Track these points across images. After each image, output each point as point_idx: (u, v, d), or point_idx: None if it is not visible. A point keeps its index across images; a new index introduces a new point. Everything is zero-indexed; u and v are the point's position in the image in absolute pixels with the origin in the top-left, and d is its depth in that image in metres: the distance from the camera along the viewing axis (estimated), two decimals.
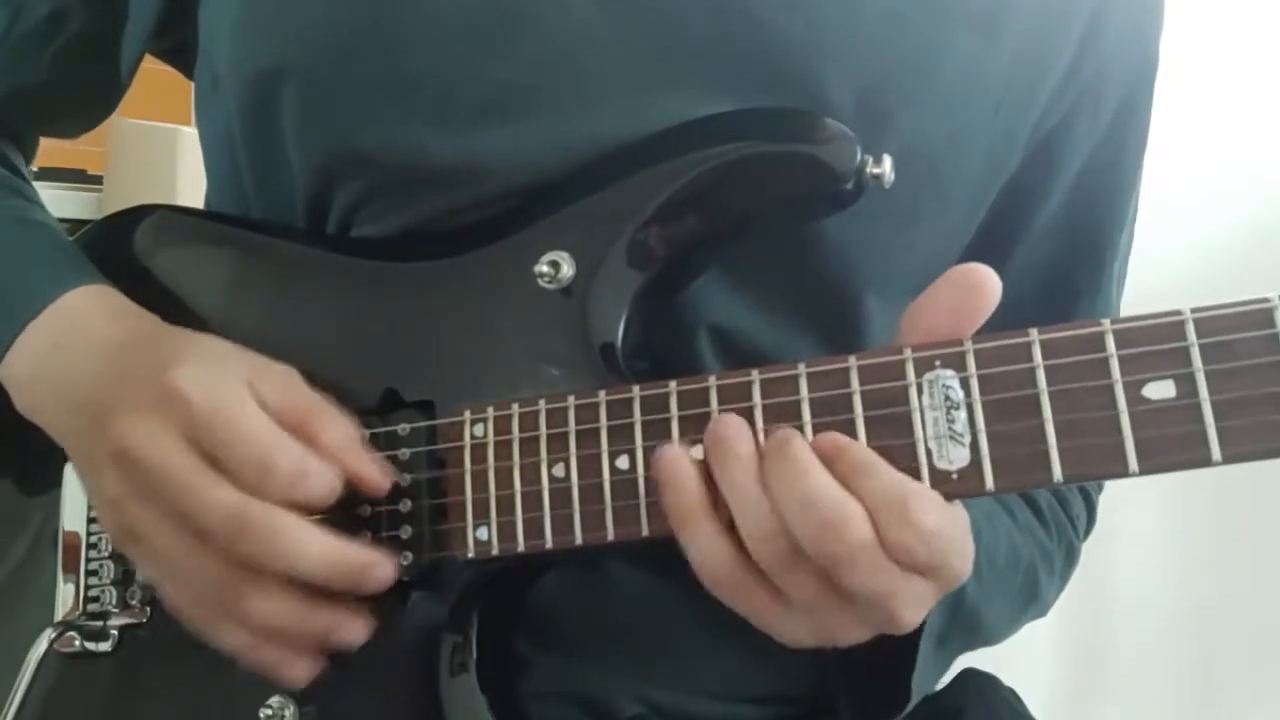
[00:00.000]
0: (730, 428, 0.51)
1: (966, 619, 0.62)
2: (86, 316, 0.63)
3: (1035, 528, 0.70)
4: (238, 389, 0.56)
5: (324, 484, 0.55)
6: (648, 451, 0.54)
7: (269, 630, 0.56)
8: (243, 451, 0.54)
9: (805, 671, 0.70)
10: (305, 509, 0.55)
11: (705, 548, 0.51)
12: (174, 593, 0.58)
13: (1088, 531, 0.77)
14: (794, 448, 0.49)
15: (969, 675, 0.75)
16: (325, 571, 0.55)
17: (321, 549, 0.55)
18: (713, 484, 0.51)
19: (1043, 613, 0.72)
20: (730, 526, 0.50)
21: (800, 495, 0.48)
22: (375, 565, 0.56)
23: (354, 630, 0.57)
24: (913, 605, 0.50)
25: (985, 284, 0.51)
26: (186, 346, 0.59)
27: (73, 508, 0.68)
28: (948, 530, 0.49)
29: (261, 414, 0.56)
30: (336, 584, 0.55)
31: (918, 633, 0.59)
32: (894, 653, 0.58)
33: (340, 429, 0.57)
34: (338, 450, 0.57)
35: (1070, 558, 0.74)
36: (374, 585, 0.56)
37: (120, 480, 0.57)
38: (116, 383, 0.59)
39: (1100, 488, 0.78)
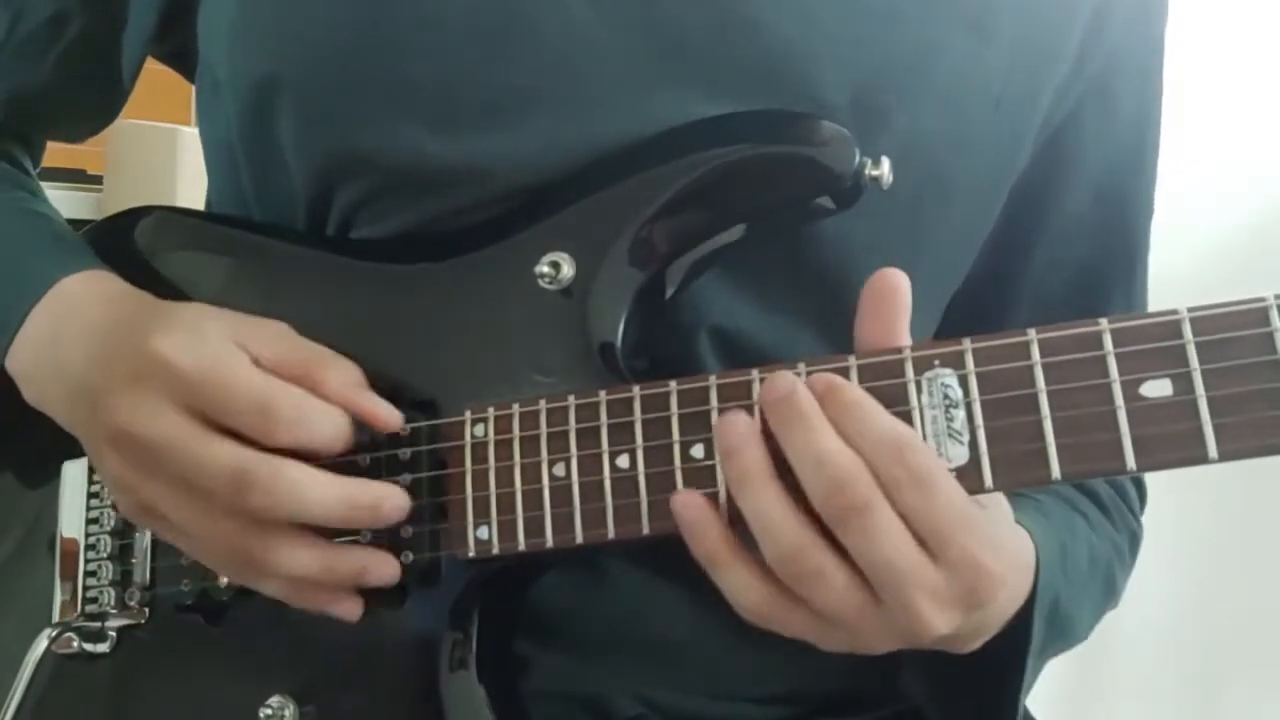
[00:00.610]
0: (739, 428, 0.50)
1: (1060, 626, 0.62)
2: (82, 302, 0.64)
3: (1104, 524, 0.70)
4: (223, 345, 0.56)
5: (330, 425, 0.55)
6: (648, 451, 0.54)
7: (301, 578, 0.56)
8: (241, 405, 0.54)
9: (808, 672, 0.70)
10: (316, 455, 0.55)
11: (738, 580, 0.51)
12: (205, 557, 0.58)
13: (1143, 508, 0.77)
14: (800, 402, 0.49)
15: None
16: (336, 511, 0.55)
17: (329, 490, 0.55)
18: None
19: (1116, 605, 0.72)
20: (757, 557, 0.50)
21: (813, 454, 0.48)
22: (387, 498, 0.56)
23: (386, 568, 0.57)
24: (928, 597, 0.49)
25: (894, 286, 0.52)
26: (167, 315, 0.59)
27: (71, 508, 0.68)
28: (946, 494, 0.49)
29: (252, 366, 0.55)
30: (351, 523, 0.56)
31: (1017, 646, 0.58)
32: (987, 667, 0.58)
33: (342, 372, 0.57)
34: (342, 392, 0.56)
35: (1134, 544, 0.74)
36: (389, 518, 0.56)
37: (122, 459, 0.57)
38: (104, 364, 0.59)
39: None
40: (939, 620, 0.50)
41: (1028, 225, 0.69)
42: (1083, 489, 0.70)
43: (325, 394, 0.56)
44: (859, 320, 0.53)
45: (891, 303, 0.52)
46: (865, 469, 0.48)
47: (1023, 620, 0.57)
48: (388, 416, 0.57)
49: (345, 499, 0.55)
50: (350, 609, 0.57)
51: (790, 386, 0.49)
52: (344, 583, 0.57)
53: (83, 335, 0.61)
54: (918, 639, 0.51)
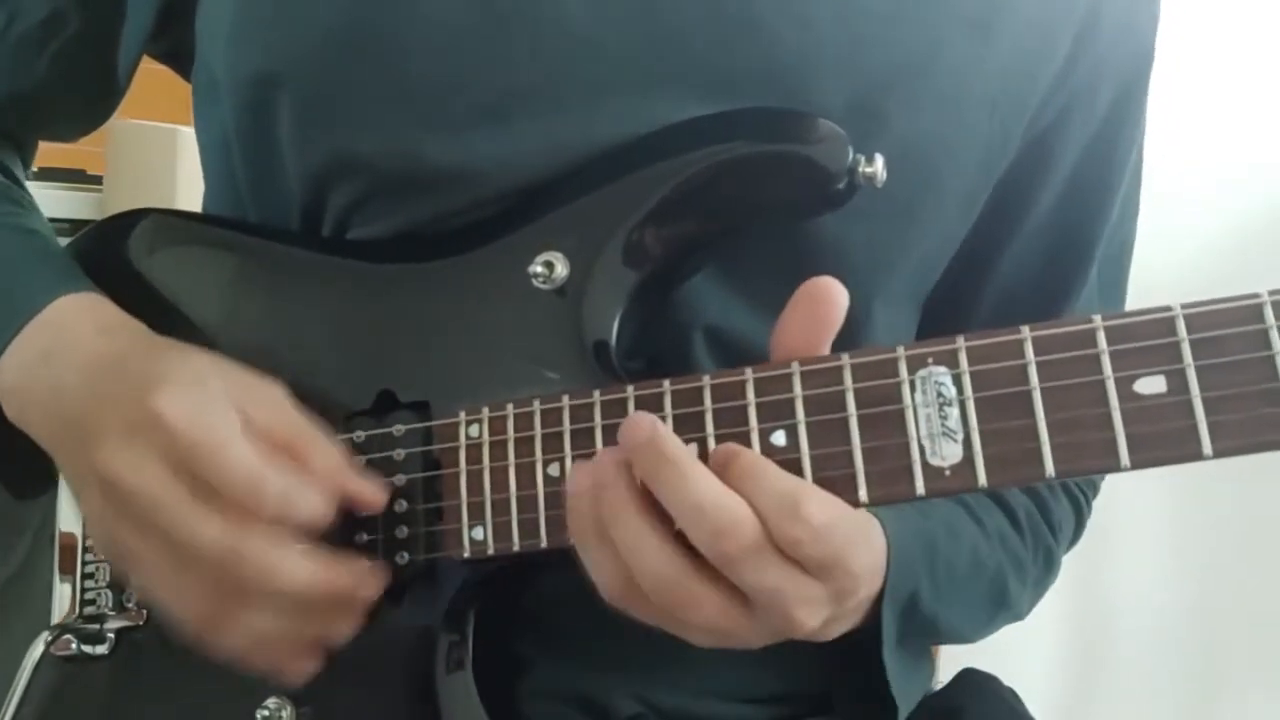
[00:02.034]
0: (604, 458, 0.52)
1: (924, 623, 0.63)
2: (76, 327, 0.63)
3: (1008, 536, 0.70)
4: (223, 414, 0.56)
5: (313, 508, 0.56)
6: None
7: (260, 641, 0.56)
8: (230, 479, 0.54)
9: (804, 672, 0.70)
10: (295, 532, 0.55)
11: (598, 565, 0.53)
12: (164, 606, 0.58)
13: (1074, 540, 0.77)
14: (667, 446, 0.50)
15: (969, 675, 0.75)
16: (314, 595, 0.55)
17: (310, 576, 0.55)
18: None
19: (1019, 618, 0.72)
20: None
21: (685, 498, 0.49)
22: (363, 584, 0.57)
23: (345, 630, 0.57)
24: (805, 606, 0.51)
25: (830, 294, 0.53)
26: (170, 367, 0.58)
27: (69, 511, 0.68)
28: (841, 528, 0.50)
29: (247, 440, 0.55)
30: (326, 604, 0.56)
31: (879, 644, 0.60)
32: (861, 658, 0.60)
33: (329, 451, 0.58)
34: (329, 473, 0.57)
35: (1049, 565, 0.73)
36: (363, 602, 0.57)
37: (106, 504, 0.56)
38: (101, 404, 0.58)
39: (1095, 493, 0.78)
40: (813, 622, 0.52)
41: (1003, 222, 0.69)
42: (994, 499, 0.70)
43: (311, 471, 0.56)
44: (783, 329, 0.53)
45: (825, 309, 0.53)
46: (748, 510, 0.49)
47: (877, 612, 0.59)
48: (376, 496, 0.58)
49: (323, 587, 0.56)
50: (297, 675, 0.58)
51: (651, 430, 0.50)
52: (301, 645, 0.57)
53: (78, 363, 0.61)
54: (787, 636, 0.53)
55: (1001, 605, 0.70)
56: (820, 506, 0.50)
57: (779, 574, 0.50)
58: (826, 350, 0.53)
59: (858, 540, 0.53)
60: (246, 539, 0.54)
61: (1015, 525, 0.71)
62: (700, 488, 0.50)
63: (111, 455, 0.56)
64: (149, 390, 0.56)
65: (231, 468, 0.54)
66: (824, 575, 0.51)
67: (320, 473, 0.56)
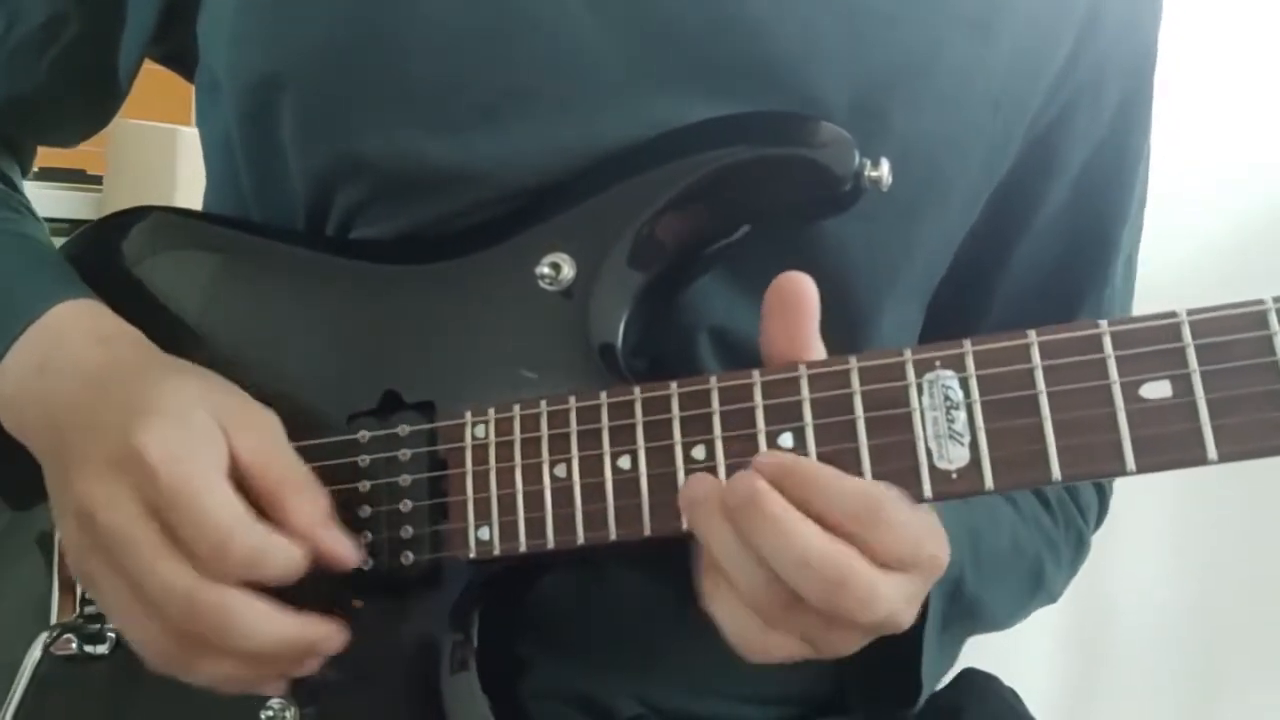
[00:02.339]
0: (701, 488, 0.51)
1: (966, 607, 0.63)
2: (73, 336, 0.62)
3: (1041, 517, 0.71)
4: (204, 456, 0.55)
5: (285, 563, 0.54)
6: (649, 452, 0.54)
7: (224, 681, 0.56)
8: (200, 533, 0.53)
9: (806, 672, 0.70)
10: (265, 585, 0.54)
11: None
12: (132, 639, 0.57)
13: (1099, 520, 0.77)
14: (767, 505, 0.49)
15: (969, 675, 0.75)
16: (275, 651, 0.55)
17: (272, 632, 0.54)
18: None
19: (1052, 599, 0.73)
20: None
21: (791, 557, 0.48)
22: (327, 639, 0.56)
23: (310, 666, 0.57)
24: (908, 606, 0.51)
25: (794, 288, 0.53)
26: (159, 396, 0.57)
27: None
28: (915, 522, 0.50)
29: (225, 486, 0.54)
30: (290, 662, 0.56)
31: (920, 625, 0.59)
32: (899, 646, 0.59)
33: (311, 502, 0.57)
34: (307, 527, 0.56)
35: (1080, 547, 0.74)
36: (327, 655, 0.56)
37: (80, 535, 0.56)
38: (86, 427, 0.57)
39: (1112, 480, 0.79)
40: (914, 615, 0.52)
41: (1010, 222, 0.69)
42: None
43: (290, 523, 0.55)
44: (766, 334, 0.53)
45: (797, 303, 0.53)
46: (858, 556, 0.49)
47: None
48: (348, 557, 0.57)
49: (285, 643, 0.55)
50: (274, 689, 0.58)
51: (751, 489, 0.49)
52: (264, 681, 0.57)
53: (72, 375, 0.60)
54: (891, 633, 0.53)
55: (1038, 588, 0.70)
56: (895, 504, 0.49)
57: (890, 602, 0.50)
58: (817, 339, 0.53)
59: (934, 524, 0.52)
60: (206, 592, 0.53)
61: (1047, 507, 0.72)
62: (800, 539, 0.49)
63: (89, 488, 0.55)
64: (133, 422, 0.55)
65: (204, 519, 0.53)
66: (916, 569, 0.51)
67: (298, 527, 0.55)
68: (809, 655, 0.52)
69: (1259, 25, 1.53)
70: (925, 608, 0.58)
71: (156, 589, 0.53)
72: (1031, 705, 0.76)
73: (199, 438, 0.55)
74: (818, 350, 0.53)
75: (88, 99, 0.78)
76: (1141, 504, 1.40)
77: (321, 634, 0.56)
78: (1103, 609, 1.57)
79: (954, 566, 0.58)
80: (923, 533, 0.50)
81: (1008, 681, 0.77)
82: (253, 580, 0.54)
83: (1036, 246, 0.70)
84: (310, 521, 0.56)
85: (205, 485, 0.54)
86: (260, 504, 0.55)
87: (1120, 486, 0.78)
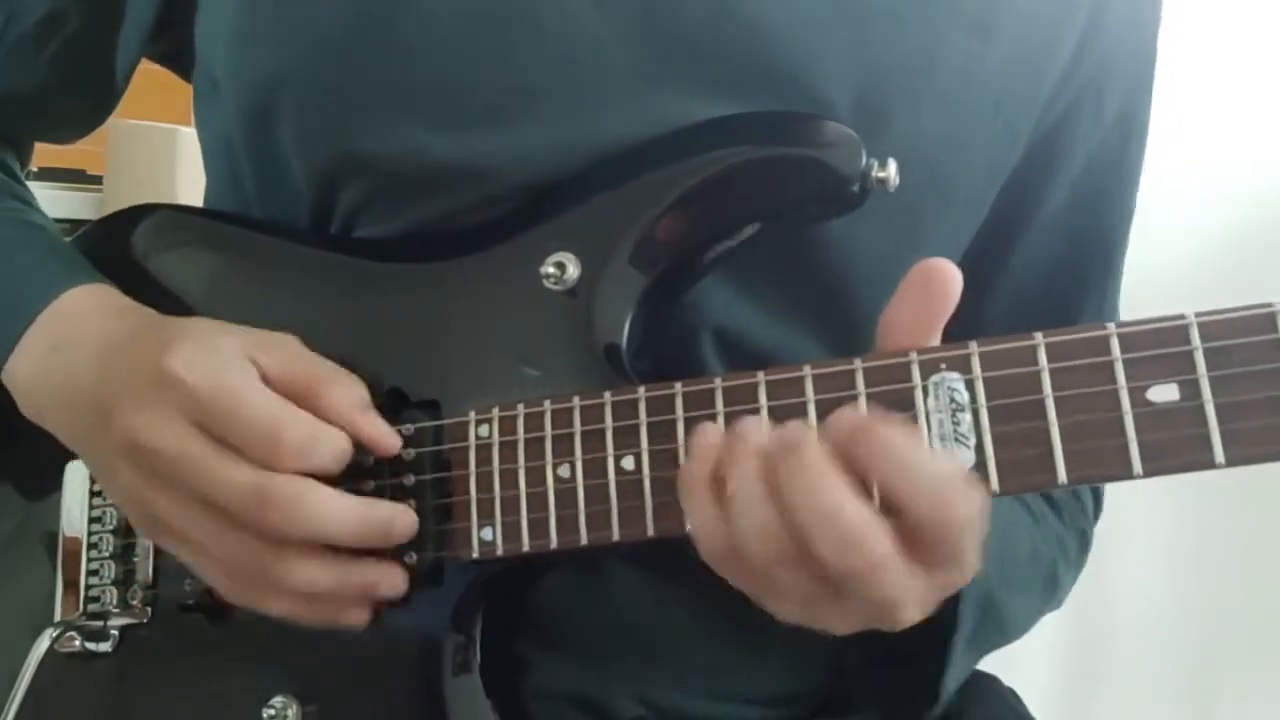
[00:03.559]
0: (750, 424, 0.50)
1: (995, 619, 0.63)
2: (84, 316, 0.63)
3: (1048, 516, 0.71)
4: (237, 366, 0.56)
5: (335, 448, 0.56)
6: (653, 453, 0.54)
7: (313, 594, 0.56)
8: (249, 428, 0.55)
9: (806, 673, 0.70)
10: (318, 474, 0.55)
11: (702, 522, 0.50)
12: (211, 573, 0.58)
13: (1097, 515, 0.77)
14: (809, 453, 0.47)
15: (969, 675, 0.75)
16: (353, 530, 0.56)
17: (346, 509, 0.55)
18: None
19: (1059, 604, 0.72)
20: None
21: (818, 506, 0.47)
22: (398, 518, 0.57)
23: (396, 581, 0.57)
24: (915, 606, 0.50)
25: (942, 274, 0.51)
26: (181, 330, 0.59)
27: (73, 507, 0.68)
28: (974, 520, 0.48)
29: (263, 388, 0.56)
30: (365, 542, 0.56)
31: (946, 632, 0.59)
32: (919, 650, 0.59)
33: (346, 391, 0.58)
34: (345, 413, 0.57)
35: (1083, 544, 0.74)
36: (399, 537, 0.57)
37: (135, 473, 0.57)
38: (115, 376, 0.59)
39: None
40: (917, 618, 0.50)
41: (1012, 222, 0.69)
42: None
43: (328, 413, 0.57)
44: (897, 311, 0.52)
45: (941, 288, 0.51)
46: (885, 530, 0.47)
47: (950, 606, 0.57)
48: (388, 441, 0.58)
49: (360, 519, 0.56)
50: (358, 617, 0.58)
51: (796, 437, 0.47)
52: (353, 595, 0.57)
53: (89, 349, 0.61)
54: (879, 627, 0.51)
55: (1053, 591, 0.70)
56: (968, 495, 0.47)
57: (897, 588, 0.48)
58: (938, 337, 0.52)
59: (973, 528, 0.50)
60: (275, 481, 0.54)
61: (1053, 506, 0.71)
62: (830, 493, 0.47)
63: (132, 420, 0.56)
64: (162, 353, 0.57)
65: (250, 416, 0.55)
66: (943, 570, 0.49)
67: (338, 414, 0.57)
68: (807, 622, 0.51)
69: (1258, 25, 1.53)
70: (942, 614, 0.56)
71: (223, 491, 0.55)
72: (1031, 705, 0.76)
73: (227, 353, 0.57)
74: (936, 340, 0.52)
75: (85, 96, 0.77)
76: (1141, 504, 1.40)
77: (392, 514, 0.57)
78: (1103, 609, 1.57)
79: (983, 576, 0.56)
80: (971, 541, 0.48)
81: (1008, 681, 0.77)
82: (307, 469, 0.55)
83: (1038, 245, 0.71)
84: (349, 407, 0.57)
85: (244, 388, 0.56)
86: (299, 403, 0.57)
87: (1120, 486, 0.78)
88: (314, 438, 0.55)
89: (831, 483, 0.47)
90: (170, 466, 0.55)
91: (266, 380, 0.57)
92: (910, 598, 0.49)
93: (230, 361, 0.57)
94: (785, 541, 0.48)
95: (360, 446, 0.57)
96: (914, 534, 0.47)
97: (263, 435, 0.55)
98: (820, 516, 0.47)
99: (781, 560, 0.48)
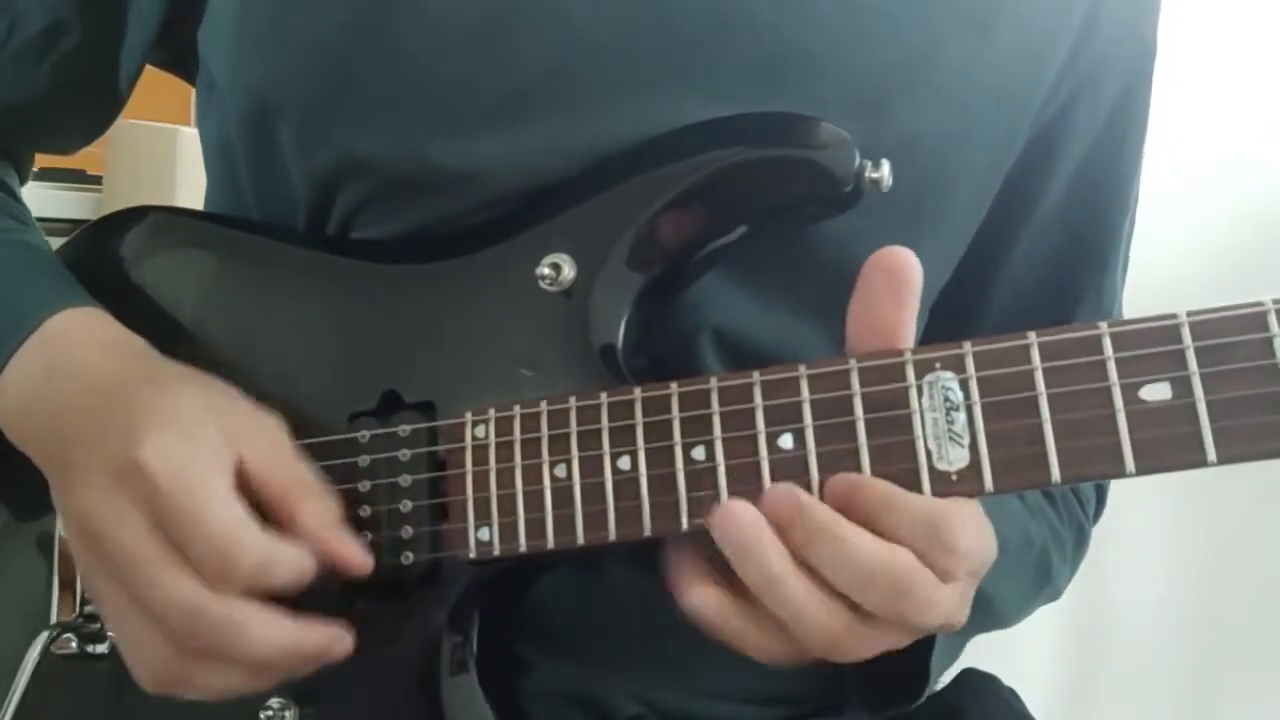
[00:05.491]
0: (743, 513, 0.50)
1: (980, 603, 0.63)
2: (76, 344, 0.62)
3: (1045, 510, 0.71)
4: (208, 468, 0.54)
5: (292, 571, 0.54)
6: (649, 453, 0.54)
7: (222, 692, 0.55)
8: (205, 544, 0.53)
9: (806, 673, 0.70)
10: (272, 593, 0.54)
11: (754, 642, 0.52)
12: (129, 659, 0.57)
13: (1098, 514, 0.78)
14: (816, 515, 0.49)
15: (969, 675, 0.75)
16: (282, 661, 0.54)
17: (281, 640, 0.54)
18: None
19: (1055, 596, 0.73)
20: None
21: (854, 568, 0.49)
22: (335, 643, 0.56)
23: (309, 669, 0.56)
24: (964, 606, 0.52)
25: (900, 262, 0.52)
26: (162, 408, 0.56)
27: None
28: (980, 533, 0.51)
29: (230, 498, 0.54)
30: (295, 667, 0.55)
31: None
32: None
33: (322, 507, 0.56)
34: (315, 531, 0.55)
35: (1081, 540, 0.74)
36: (334, 660, 0.56)
37: (83, 548, 0.56)
38: (88, 439, 0.57)
39: None
40: (963, 619, 0.53)
41: (1011, 217, 0.69)
42: None
43: (299, 528, 0.55)
44: (859, 301, 0.52)
45: (902, 278, 0.52)
46: (917, 563, 0.49)
47: None
48: (358, 561, 0.56)
49: (293, 652, 0.54)
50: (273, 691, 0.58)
51: (794, 499, 0.49)
52: (263, 689, 0.57)
53: (78, 380, 0.60)
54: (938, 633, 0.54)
55: (1045, 582, 0.71)
56: (961, 526, 0.50)
57: (948, 607, 0.50)
58: (910, 330, 0.52)
59: (987, 530, 0.53)
60: (213, 604, 0.53)
61: (1050, 500, 0.72)
62: (859, 549, 0.49)
63: (92, 501, 0.54)
64: (136, 435, 0.54)
65: (208, 530, 0.53)
66: (972, 575, 0.52)
67: (309, 532, 0.55)
68: (868, 654, 0.53)
69: (1258, 24, 1.53)
70: None
71: (161, 603, 0.53)
72: (1031, 705, 0.76)
73: (202, 449, 0.55)
74: (910, 334, 0.52)
75: (87, 106, 0.77)
76: (1141, 504, 1.40)
77: (330, 638, 0.55)
78: (1103, 609, 1.57)
79: None
80: (986, 550, 0.51)
81: (1008, 681, 0.77)
82: (260, 589, 0.53)
83: (1036, 242, 0.71)
84: (320, 525, 0.56)
85: (209, 495, 0.53)
86: (270, 511, 0.55)
87: (1120, 486, 0.78)
88: (270, 561, 0.53)
89: (859, 540, 0.49)
90: (116, 559, 0.54)
91: (243, 473, 0.55)
92: (956, 601, 0.51)
93: (203, 459, 0.54)
94: (838, 603, 0.49)
95: (329, 565, 0.56)
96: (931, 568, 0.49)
97: (217, 551, 0.52)
98: (863, 577, 0.49)
99: (849, 622, 0.50)
